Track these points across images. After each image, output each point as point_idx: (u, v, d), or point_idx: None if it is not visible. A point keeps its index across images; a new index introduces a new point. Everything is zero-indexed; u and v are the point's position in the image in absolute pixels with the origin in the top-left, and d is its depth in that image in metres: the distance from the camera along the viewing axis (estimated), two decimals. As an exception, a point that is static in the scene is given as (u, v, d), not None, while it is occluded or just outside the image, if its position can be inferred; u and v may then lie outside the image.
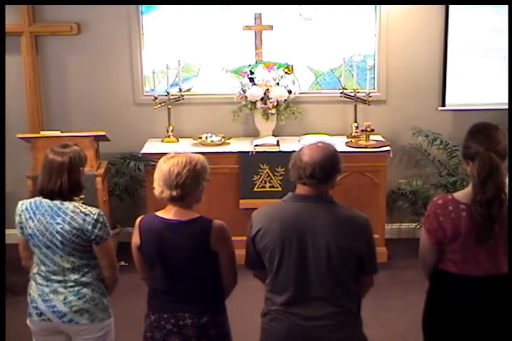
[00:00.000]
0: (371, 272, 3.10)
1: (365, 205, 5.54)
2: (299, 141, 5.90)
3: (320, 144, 3.05)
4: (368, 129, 5.83)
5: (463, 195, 3.09)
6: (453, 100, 6.12)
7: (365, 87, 5.95)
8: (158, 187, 3.10)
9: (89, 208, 3.30)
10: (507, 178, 3.08)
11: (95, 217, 3.27)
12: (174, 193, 3.06)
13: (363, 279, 3.10)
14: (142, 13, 6.11)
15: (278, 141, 5.84)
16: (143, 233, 3.15)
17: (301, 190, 3.05)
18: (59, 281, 3.32)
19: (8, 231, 5.69)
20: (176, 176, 3.05)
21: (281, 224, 3.00)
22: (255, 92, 5.87)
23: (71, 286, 3.31)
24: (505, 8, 5.76)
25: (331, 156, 3.01)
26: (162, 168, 3.09)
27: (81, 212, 3.27)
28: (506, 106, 5.90)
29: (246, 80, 5.96)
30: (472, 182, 3.03)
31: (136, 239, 3.18)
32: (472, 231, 3.03)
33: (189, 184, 3.07)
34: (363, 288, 3.15)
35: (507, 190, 3.02)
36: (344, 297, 3.04)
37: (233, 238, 3.18)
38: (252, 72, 5.97)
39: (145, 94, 6.22)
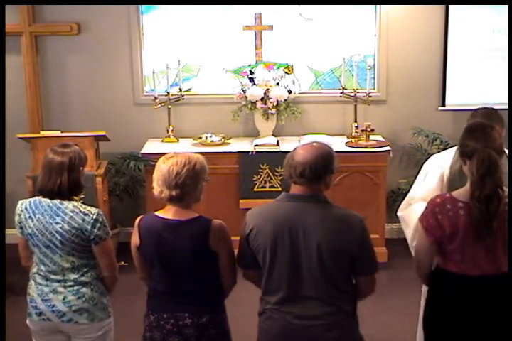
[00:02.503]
0: (366, 272, 3.08)
1: (365, 205, 5.55)
2: (299, 141, 5.89)
3: (315, 144, 3.05)
4: (368, 129, 5.83)
5: (461, 193, 3.11)
6: (453, 100, 6.13)
7: (365, 87, 5.95)
8: (157, 187, 3.10)
9: (89, 208, 3.30)
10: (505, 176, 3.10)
11: (94, 216, 3.27)
12: (173, 193, 3.06)
13: (359, 279, 3.09)
14: (142, 13, 6.11)
15: (278, 141, 5.84)
16: (142, 233, 3.15)
17: (294, 189, 3.06)
18: (58, 281, 3.32)
19: (8, 231, 5.70)
20: (175, 176, 3.05)
21: (274, 223, 3.00)
22: (255, 92, 5.88)
23: (70, 286, 3.32)
24: (505, 8, 5.76)
25: (324, 156, 3.00)
26: (161, 168, 3.09)
27: (80, 211, 3.27)
28: (506, 106, 5.89)
29: (246, 80, 5.96)
30: (470, 179, 3.05)
31: (135, 239, 3.18)
32: (470, 229, 3.04)
33: (188, 184, 3.07)
34: (362, 289, 3.13)
35: (506, 188, 3.04)
36: (338, 297, 3.03)
37: (233, 238, 3.18)
38: (252, 72, 5.98)
39: (145, 94, 6.23)
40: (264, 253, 3.03)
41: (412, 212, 3.69)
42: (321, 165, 2.98)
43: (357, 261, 3.02)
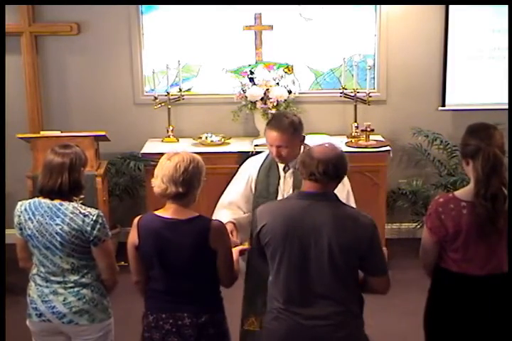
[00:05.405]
0: (375, 272, 3.07)
1: (365, 205, 5.49)
2: (299, 141, 5.89)
3: (327, 145, 3.08)
4: (368, 129, 5.83)
5: (464, 193, 3.12)
6: (453, 100, 6.13)
7: (365, 87, 5.95)
8: (161, 184, 3.08)
9: (89, 209, 3.30)
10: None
11: (94, 218, 3.26)
12: (180, 190, 3.05)
13: (370, 279, 3.09)
14: (142, 13, 6.11)
15: (278, 141, 5.82)
16: (142, 232, 3.14)
17: (308, 186, 3.05)
18: (59, 282, 3.32)
19: (8, 231, 5.70)
20: (182, 172, 3.05)
21: (285, 221, 3.01)
22: (255, 92, 5.87)
23: (71, 287, 3.31)
24: (505, 8, 5.76)
25: (343, 156, 3.05)
26: (167, 165, 3.08)
27: (80, 213, 3.26)
28: (506, 106, 5.90)
29: (246, 80, 5.96)
30: (475, 178, 3.05)
31: (133, 239, 3.17)
32: (473, 228, 3.05)
33: (194, 181, 3.08)
34: (374, 288, 3.12)
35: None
36: (346, 296, 3.04)
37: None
38: (252, 72, 5.97)
39: (145, 94, 6.23)
40: (273, 250, 3.04)
41: (216, 217, 3.67)
42: (341, 164, 3.02)
43: (366, 260, 3.03)
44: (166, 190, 3.07)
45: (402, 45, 6.11)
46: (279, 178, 3.78)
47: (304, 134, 3.74)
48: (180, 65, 6.01)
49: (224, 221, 3.50)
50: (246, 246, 3.52)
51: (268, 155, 3.84)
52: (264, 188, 3.78)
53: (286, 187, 3.75)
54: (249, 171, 3.89)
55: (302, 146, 3.74)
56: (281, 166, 3.79)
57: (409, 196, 6.07)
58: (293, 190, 3.67)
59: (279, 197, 3.72)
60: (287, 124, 3.63)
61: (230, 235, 3.55)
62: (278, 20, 6.09)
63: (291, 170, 3.75)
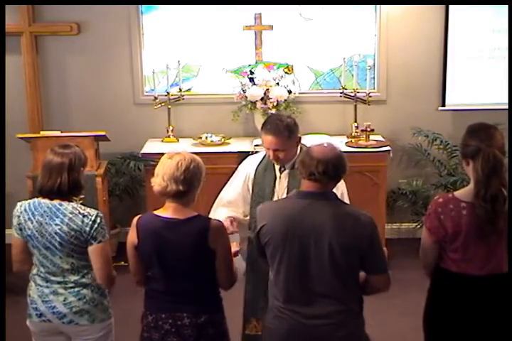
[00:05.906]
0: (376, 271, 3.07)
1: (365, 205, 5.50)
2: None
3: (326, 145, 3.08)
4: (368, 129, 5.83)
5: (464, 193, 3.12)
6: (453, 100, 6.13)
7: (365, 87, 5.95)
8: (162, 182, 3.08)
9: (88, 209, 3.30)
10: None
11: (93, 218, 3.26)
12: (180, 188, 3.05)
13: (370, 278, 3.09)
14: (142, 13, 6.11)
15: (278, 141, 5.82)
16: (141, 232, 3.14)
17: (307, 186, 3.06)
18: (59, 282, 3.32)
19: (8, 231, 5.67)
20: (183, 170, 3.06)
21: (285, 221, 3.01)
22: (255, 92, 5.87)
23: (71, 287, 3.31)
24: (505, 8, 5.76)
25: (342, 156, 3.05)
26: (168, 163, 3.09)
27: (79, 213, 3.26)
28: (506, 106, 5.90)
29: (246, 80, 5.96)
30: (475, 179, 3.05)
31: (133, 239, 3.17)
32: (473, 229, 3.05)
33: (194, 180, 3.09)
34: (374, 286, 3.11)
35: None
36: (346, 295, 3.04)
37: (232, 237, 3.20)
38: (252, 72, 5.97)
39: (145, 94, 6.23)
40: (273, 249, 3.04)
41: (215, 217, 3.66)
42: (341, 164, 3.02)
43: (366, 259, 3.03)
44: (167, 188, 3.07)
45: (402, 44, 6.12)
46: (275, 179, 3.78)
47: (299, 135, 3.74)
48: (180, 65, 6.01)
49: (223, 217, 3.49)
50: (236, 247, 3.52)
51: (266, 154, 3.84)
52: (261, 188, 3.79)
53: (280, 188, 3.76)
54: (246, 170, 3.91)
55: (299, 147, 3.74)
56: (277, 167, 3.79)
57: (409, 196, 6.08)
58: (287, 191, 3.68)
59: (275, 198, 3.73)
60: (282, 128, 3.62)
61: (230, 225, 3.56)
62: (278, 20, 6.09)
63: (286, 171, 3.76)
